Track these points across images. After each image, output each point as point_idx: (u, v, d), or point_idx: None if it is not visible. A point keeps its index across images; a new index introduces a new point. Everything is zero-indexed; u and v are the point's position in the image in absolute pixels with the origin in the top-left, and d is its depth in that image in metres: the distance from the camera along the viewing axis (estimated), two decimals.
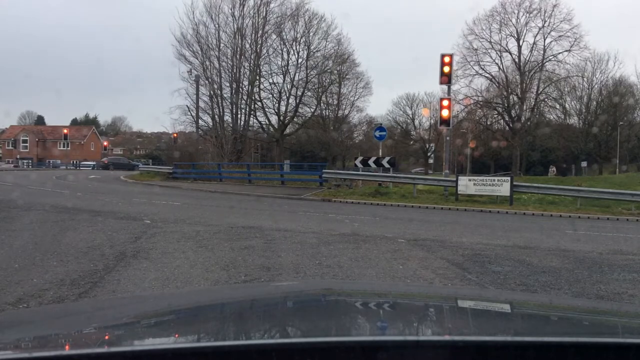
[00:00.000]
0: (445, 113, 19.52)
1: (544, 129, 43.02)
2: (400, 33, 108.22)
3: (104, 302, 3.14)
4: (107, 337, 1.29)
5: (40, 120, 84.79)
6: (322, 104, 46.64)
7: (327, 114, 50.28)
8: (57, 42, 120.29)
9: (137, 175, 34.30)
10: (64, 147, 71.37)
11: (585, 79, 49.01)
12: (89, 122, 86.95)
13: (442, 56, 19.61)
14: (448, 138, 20.52)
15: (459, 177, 18.88)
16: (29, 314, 2.30)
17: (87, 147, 75.22)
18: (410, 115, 67.29)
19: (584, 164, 47.09)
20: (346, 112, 51.73)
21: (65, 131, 61.15)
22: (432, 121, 71.82)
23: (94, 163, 67.25)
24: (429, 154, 63.84)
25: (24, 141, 71.07)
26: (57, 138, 69.28)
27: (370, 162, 21.72)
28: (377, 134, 22.33)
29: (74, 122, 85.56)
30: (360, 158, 22.43)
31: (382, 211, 15.38)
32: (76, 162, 64.99)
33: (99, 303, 3.07)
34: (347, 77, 44.96)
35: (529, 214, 16.08)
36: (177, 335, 1.33)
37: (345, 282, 4.70)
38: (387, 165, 21.30)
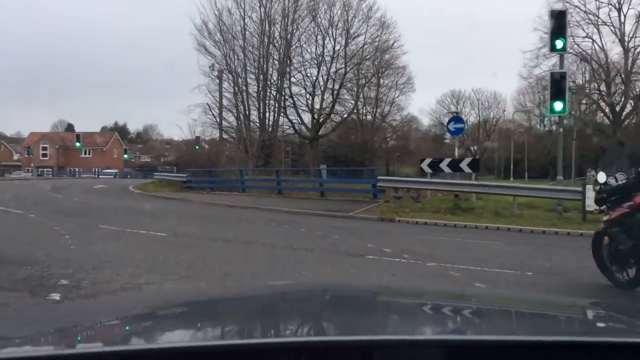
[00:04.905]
0: (557, 94, 13.55)
1: None
2: (442, 28, 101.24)
3: (100, 302, 3.29)
4: (103, 336, 1.27)
5: (70, 127, 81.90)
6: (360, 101, 40.59)
7: (365, 112, 44.30)
8: (90, 51, 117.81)
9: (149, 185, 29.42)
10: (85, 154, 67.91)
11: None
12: (118, 129, 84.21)
13: (551, 12, 13.70)
14: (561, 130, 14.44)
15: (586, 187, 12.79)
16: (27, 315, 2.03)
17: (109, 154, 71.71)
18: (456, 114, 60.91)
19: None
20: (386, 110, 45.72)
21: (76, 141, 57.22)
22: (481, 119, 65.38)
23: (116, 171, 63.23)
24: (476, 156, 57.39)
25: (44, 149, 67.66)
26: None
27: (443, 165, 15.83)
28: (452, 126, 16.43)
29: (103, 130, 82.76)
30: (428, 160, 16.43)
31: (481, 240, 9.60)
32: (97, 169, 61.09)
33: (96, 303, 3.12)
34: (391, 67, 38.59)
35: None
36: (173, 335, 1.31)
37: (342, 283, 4.34)
38: (467, 170, 15.43)
